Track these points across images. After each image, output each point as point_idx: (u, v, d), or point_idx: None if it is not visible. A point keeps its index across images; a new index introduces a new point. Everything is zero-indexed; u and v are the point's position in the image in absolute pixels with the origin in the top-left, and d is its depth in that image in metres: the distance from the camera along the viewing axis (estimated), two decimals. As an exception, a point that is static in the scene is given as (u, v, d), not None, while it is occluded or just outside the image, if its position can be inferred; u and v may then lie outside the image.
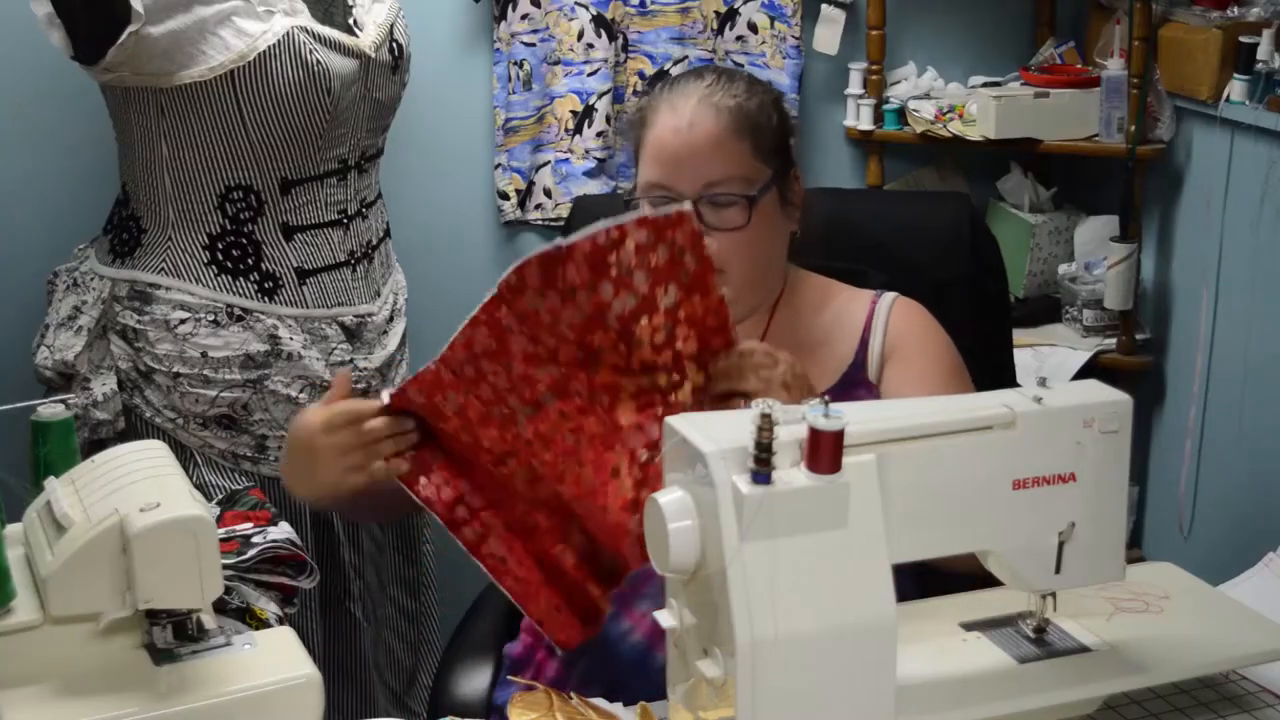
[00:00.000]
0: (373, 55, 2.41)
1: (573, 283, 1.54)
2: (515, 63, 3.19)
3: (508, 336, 1.57)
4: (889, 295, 2.01)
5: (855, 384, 1.92)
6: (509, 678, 1.86)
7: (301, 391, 2.39)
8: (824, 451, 1.26)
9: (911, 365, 1.93)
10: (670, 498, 1.30)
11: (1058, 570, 1.41)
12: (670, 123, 1.90)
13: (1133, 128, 3.16)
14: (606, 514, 1.63)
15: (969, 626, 1.51)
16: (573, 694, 1.57)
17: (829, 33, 3.29)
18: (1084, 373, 3.22)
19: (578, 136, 3.22)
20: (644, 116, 1.96)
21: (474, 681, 1.93)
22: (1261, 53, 2.91)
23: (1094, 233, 3.40)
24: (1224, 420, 3.15)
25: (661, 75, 3.24)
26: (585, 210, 2.27)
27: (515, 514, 1.71)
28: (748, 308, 1.94)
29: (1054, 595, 1.46)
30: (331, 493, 1.72)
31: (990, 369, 2.14)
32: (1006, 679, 1.42)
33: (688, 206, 1.60)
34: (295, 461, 1.75)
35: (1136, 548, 3.43)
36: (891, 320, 1.97)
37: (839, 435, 1.26)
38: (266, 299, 2.37)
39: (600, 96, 3.19)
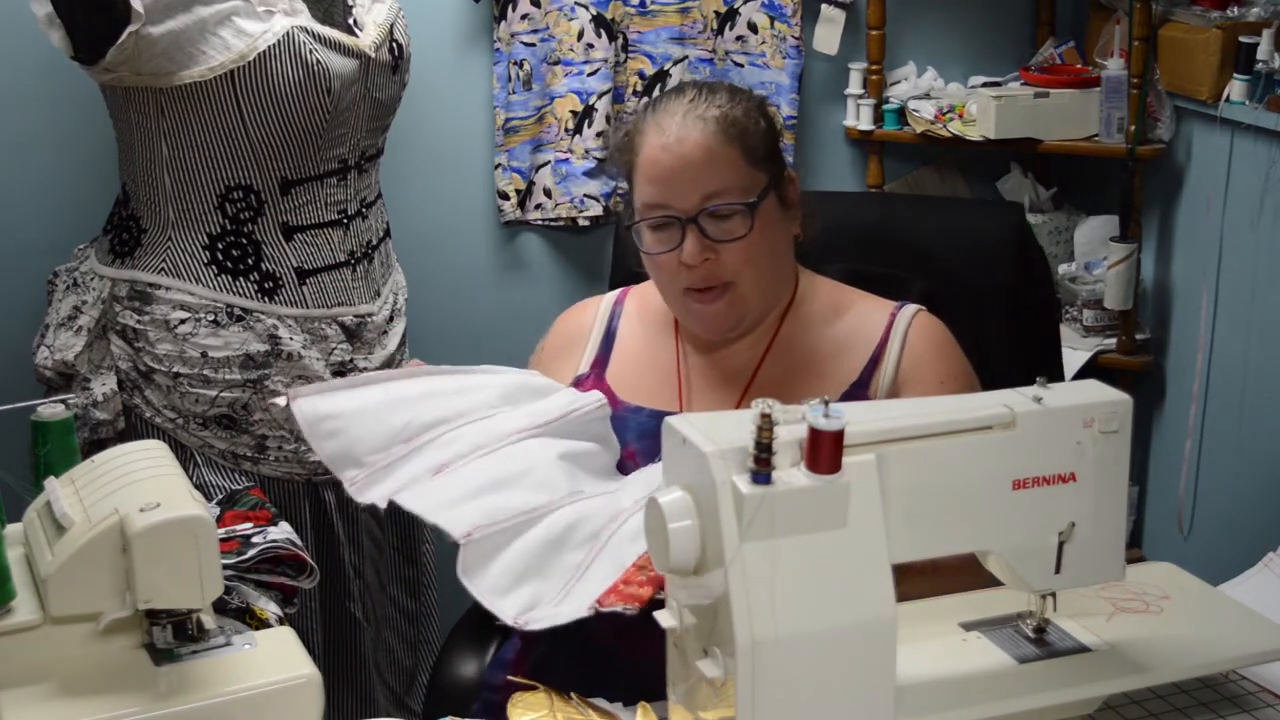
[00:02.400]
0: (373, 55, 2.41)
1: None
2: (515, 62, 3.19)
3: None
4: (909, 309, 1.99)
5: (855, 400, 1.91)
6: (510, 678, 1.85)
7: (301, 391, 2.39)
8: (824, 451, 1.26)
9: (928, 394, 1.89)
10: (670, 498, 1.30)
11: (1058, 570, 1.41)
12: (659, 141, 1.90)
13: (1133, 128, 3.16)
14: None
15: (969, 626, 1.51)
16: (573, 694, 1.57)
17: (829, 33, 3.29)
18: (1084, 372, 3.22)
19: (578, 136, 3.22)
20: (631, 141, 1.95)
21: (469, 668, 1.95)
22: (1261, 52, 2.91)
23: (1094, 233, 3.40)
24: (1224, 420, 3.15)
25: (661, 76, 3.24)
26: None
27: None
28: (757, 316, 1.96)
29: (1054, 595, 1.46)
30: None
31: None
32: (1006, 679, 1.42)
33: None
34: None
35: (1136, 548, 3.43)
36: (910, 339, 1.95)
37: (839, 435, 1.26)
38: (266, 299, 2.37)
39: (600, 96, 3.19)
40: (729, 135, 1.89)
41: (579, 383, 2.02)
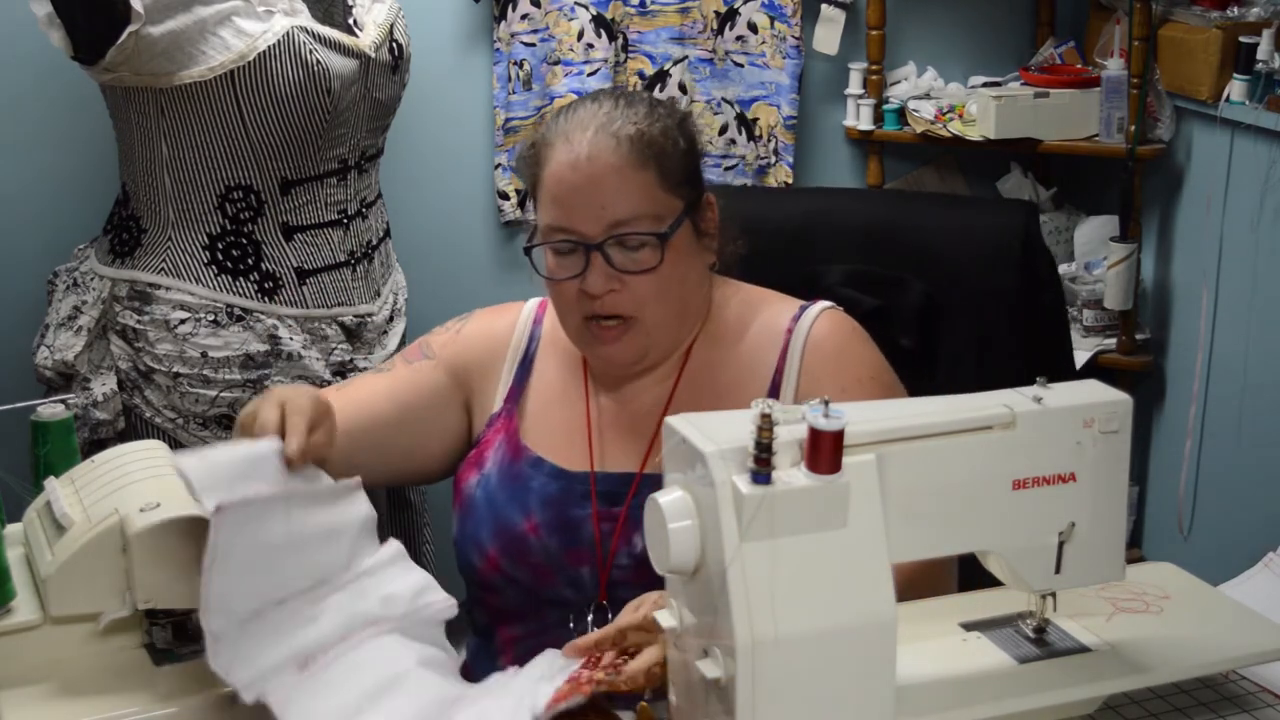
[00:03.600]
0: (373, 55, 2.41)
1: None
2: (515, 62, 3.19)
3: None
4: (811, 311, 1.86)
5: None
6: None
7: (301, 391, 2.39)
8: (824, 451, 1.26)
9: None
10: (670, 498, 1.30)
11: (1058, 570, 1.41)
12: (567, 157, 1.75)
13: (1133, 128, 3.16)
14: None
15: (969, 626, 1.51)
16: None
17: (829, 33, 3.29)
18: (1084, 372, 3.21)
19: (578, 136, 3.22)
20: (537, 153, 1.80)
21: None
22: (1261, 52, 2.91)
23: (1094, 233, 3.40)
24: (1224, 420, 3.15)
25: (661, 76, 3.24)
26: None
27: None
28: (662, 352, 1.84)
29: (1054, 595, 1.46)
30: None
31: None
32: (1006, 679, 1.42)
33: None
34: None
35: (1136, 548, 3.43)
36: (808, 347, 1.82)
37: (839, 435, 1.26)
38: (266, 299, 2.37)
39: (600, 96, 3.19)
40: (643, 156, 1.74)
41: (492, 422, 1.90)
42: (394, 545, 1.61)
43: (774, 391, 1.80)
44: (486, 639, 1.88)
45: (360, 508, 1.60)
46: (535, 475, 1.84)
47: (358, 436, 1.79)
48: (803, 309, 1.86)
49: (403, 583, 1.58)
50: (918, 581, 1.60)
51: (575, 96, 3.18)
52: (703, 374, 1.85)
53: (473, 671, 1.92)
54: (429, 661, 1.52)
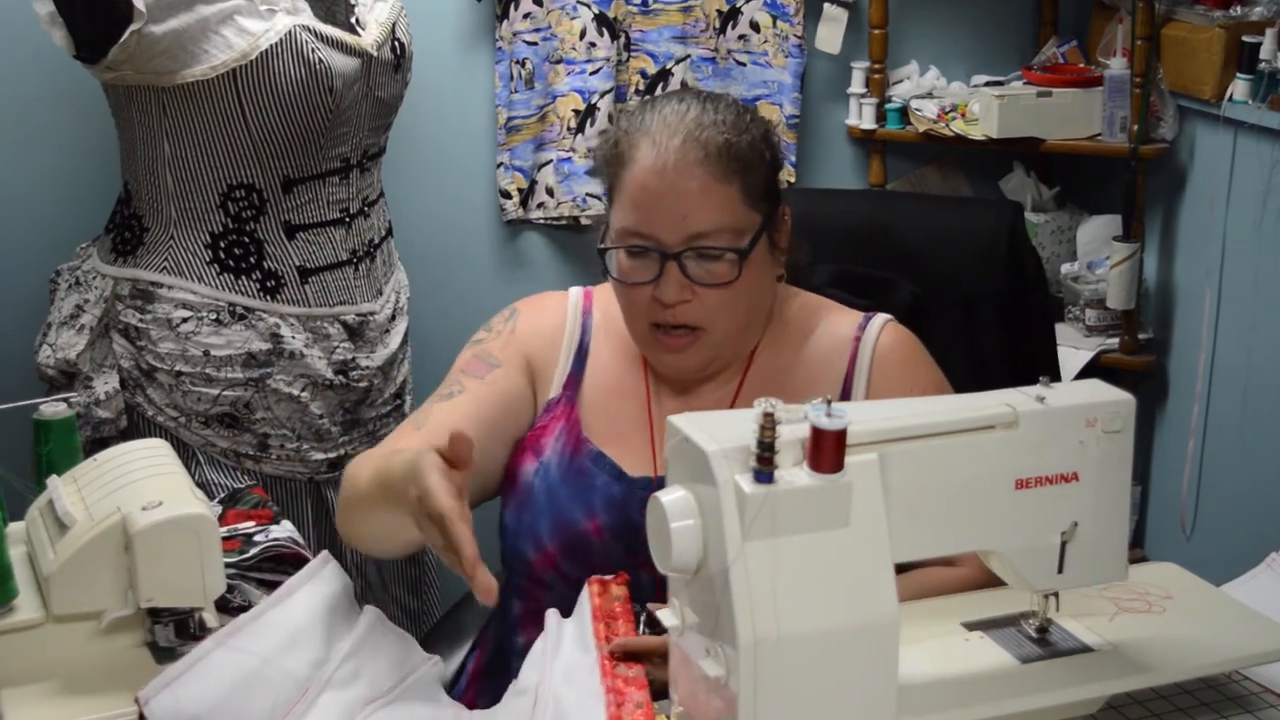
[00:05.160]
0: (375, 54, 2.41)
1: None
2: (517, 61, 3.19)
3: None
4: (877, 321, 1.87)
5: None
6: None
7: (304, 390, 2.39)
8: (826, 451, 1.26)
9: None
10: (672, 497, 1.30)
11: (1060, 570, 1.41)
12: (652, 162, 1.72)
13: (1135, 127, 3.16)
14: None
15: (971, 626, 1.51)
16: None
17: (831, 31, 3.29)
18: (1086, 372, 3.22)
19: (580, 135, 3.22)
20: (621, 152, 1.77)
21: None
22: (1264, 52, 2.91)
23: (1096, 232, 3.40)
24: (1227, 420, 3.15)
25: (664, 75, 3.24)
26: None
27: None
28: (727, 360, 1.84)
29: (1056, 595, 1.46)
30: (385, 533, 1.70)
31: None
32: (1009, 679, 1.42)
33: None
34: (380, 490, 1.60)
35: (1139, 548, 3.43)
36: (878, 355, 1.83)
37: (841, 435, 1.26)
38: (268, 298, 2.37)
39: (603, 95, 3.19)
40: (729, 170, 1.72)
41: (550, 408, 1.87)
42: (370, 614, 1.59)
43: (844, 397, 1.81)
44: (505, 608, 1.87)
45: (330, 587, 1.58)
46: (598, 474, 1.82)
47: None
48: (867, 318, 1.87)
49: (385, 655, 1.56)
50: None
51: (578, 95, 3.19)
52: (768, 377, 1.84)
53: (485, 637, 1.93)
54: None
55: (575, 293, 1.97)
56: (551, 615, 1.59)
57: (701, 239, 1.72)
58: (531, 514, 1.83)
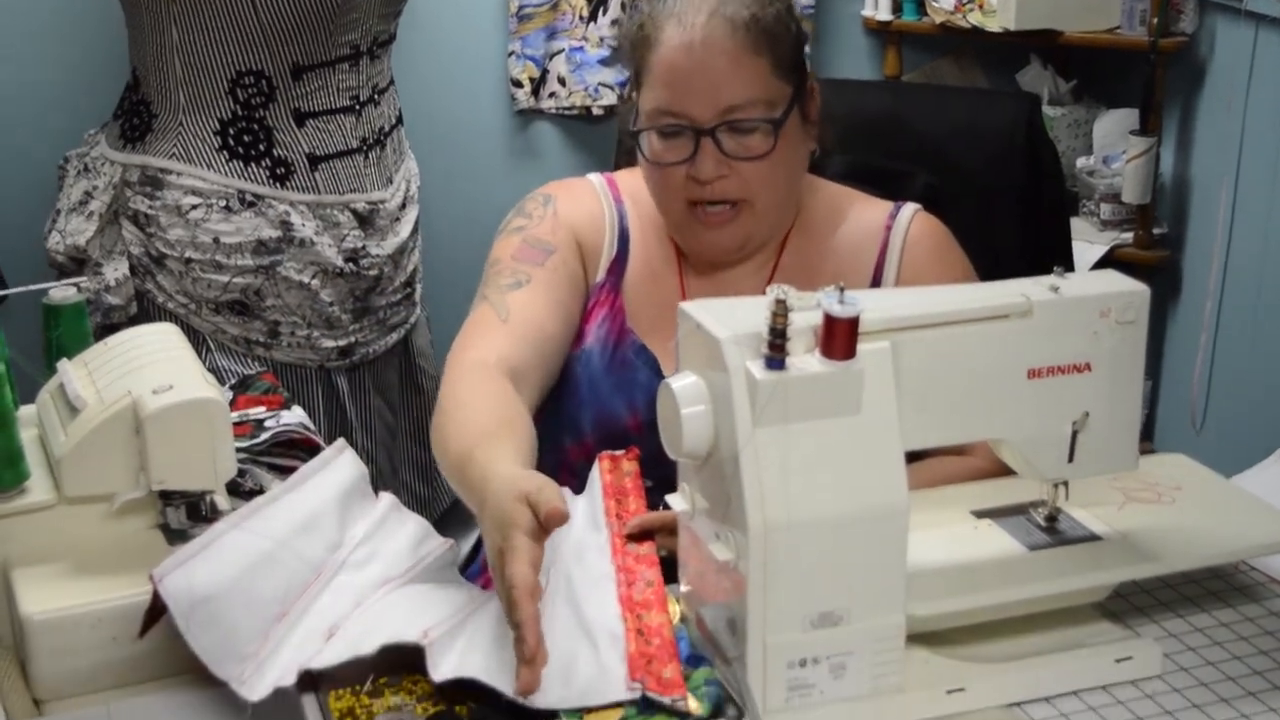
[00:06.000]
0: (385, -63, 2.38)
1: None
2: (529, -52, 3.16)
3: None
4: (907, 210, 1.88)
5: None
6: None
7: (314, 278, 2.38)
8: (838, 338, 1.25)
9: None
10: (684, 383, 1.30)
11: (1070, 459, 1.41)
12: (680, 40, 1.73)
13: (1155, 20, 3.12)
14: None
15: (980, 514, 1.51)
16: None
17: (848, -81, 3.25)
18: (1100, 267, 3.20)
19: (592, 24, 3.19)
20: (647, 35, 1.77)
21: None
22: (1288, -57, 2.87)
23: (1113, 126, 3.37)
24: (1239, 315, 3.14)
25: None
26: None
27: None
28: (764, 238, 1.84)
29: (1066, 484, 1.46)
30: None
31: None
32: (1017, 566, 1.42)
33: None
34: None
35: (1148, 441, 3.44)
36: (909, 243, 1.84)
37: (854, 322, 1.25)
38: (278, 185, 2.36)
39: (615, -17, 3.15)
40: (759, 42, 1.73)
41: (595, 293, 1.88)
42: (386, 500, 1.60)
43: (875, 285, 1.82)
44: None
45: (345, 474, 1.58)
46: (640, 368, 1.83)
47: (552, 362, 1.81)
48: (897, 207, 1.87)
49: (400, 538, 1.56)
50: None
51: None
52: (800, 265, 1.85)
53: None
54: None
55: (597, 178, 1.96)
56: (564, 495, 1.60)
57: (735, 112, 1.73)
58: (574, 404, 1.84)
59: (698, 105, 1.73)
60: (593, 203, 1.92)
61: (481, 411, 1.65)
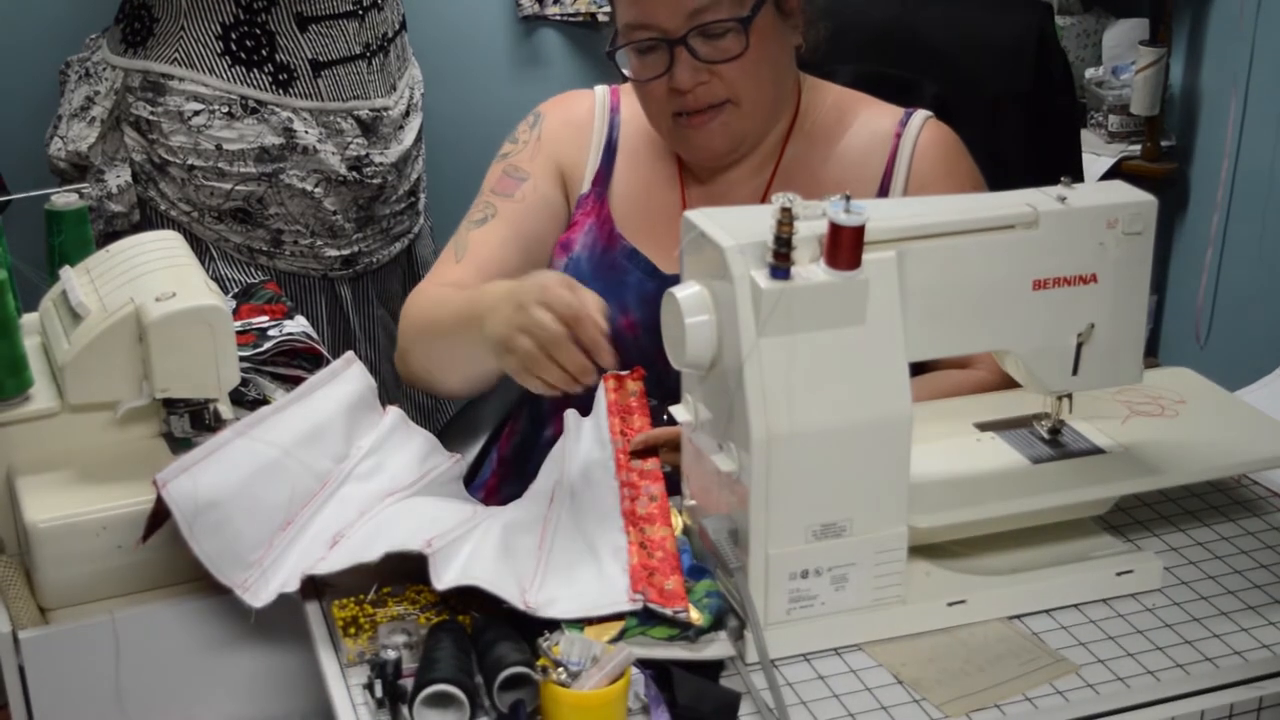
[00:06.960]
0: None
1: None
2: None
3: None
4: (918, 117, 1.84)
5: None
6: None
7: (317, 186, 2.37)
8: (844, 247, 1.25)
9: None
10: (688, 292, 1.30)
11: (1075, 372, 1.41)
12: None
13: (1167, -73, 3.08)
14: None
15: (984, 427, 1.51)
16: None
17: None
18: (1107, 178, 3.18)
19: (598, -70, 3.15)
20: None
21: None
22: None
23: (1123, 36, 3.33)
24: (1246, 230, 3.13)
25: None
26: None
27: None
28: (758, 137, 1.81)
29: (1069, 397, 1.46)
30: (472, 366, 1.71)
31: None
32: (1020, 478, 1.43)
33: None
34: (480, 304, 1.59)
35: (1153, 356, 3.44)
36: (919, 151, 1.81)
37: (859, 231, 1.25)
38: (281, 91, 2.34)
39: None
40: None
41: (580, 204, 1.87)
42: (394, 413, 1.60)
43: (882, 193, 1.79)
44: (535, 400, 1.87)
45: (353, 386, 1.59)
46: (632, 270, 1.82)
47: None
48: (908, 114, 1.84)
49: (407, 451, 1.58)
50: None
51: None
52: (801, 169, 1.83)
53: (513, 428, 1.97)
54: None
55: (601, 90, 1.95)
56: (570, 415, 1.60)
57: (702, 15, 1.69)
58: None
59: (665, 13, 1.70)
60: (583, 115, 1.92)
61: (441, 306, 1.74)
